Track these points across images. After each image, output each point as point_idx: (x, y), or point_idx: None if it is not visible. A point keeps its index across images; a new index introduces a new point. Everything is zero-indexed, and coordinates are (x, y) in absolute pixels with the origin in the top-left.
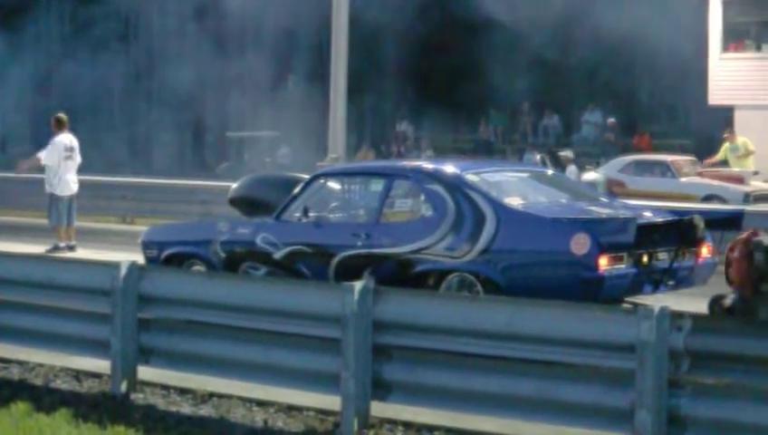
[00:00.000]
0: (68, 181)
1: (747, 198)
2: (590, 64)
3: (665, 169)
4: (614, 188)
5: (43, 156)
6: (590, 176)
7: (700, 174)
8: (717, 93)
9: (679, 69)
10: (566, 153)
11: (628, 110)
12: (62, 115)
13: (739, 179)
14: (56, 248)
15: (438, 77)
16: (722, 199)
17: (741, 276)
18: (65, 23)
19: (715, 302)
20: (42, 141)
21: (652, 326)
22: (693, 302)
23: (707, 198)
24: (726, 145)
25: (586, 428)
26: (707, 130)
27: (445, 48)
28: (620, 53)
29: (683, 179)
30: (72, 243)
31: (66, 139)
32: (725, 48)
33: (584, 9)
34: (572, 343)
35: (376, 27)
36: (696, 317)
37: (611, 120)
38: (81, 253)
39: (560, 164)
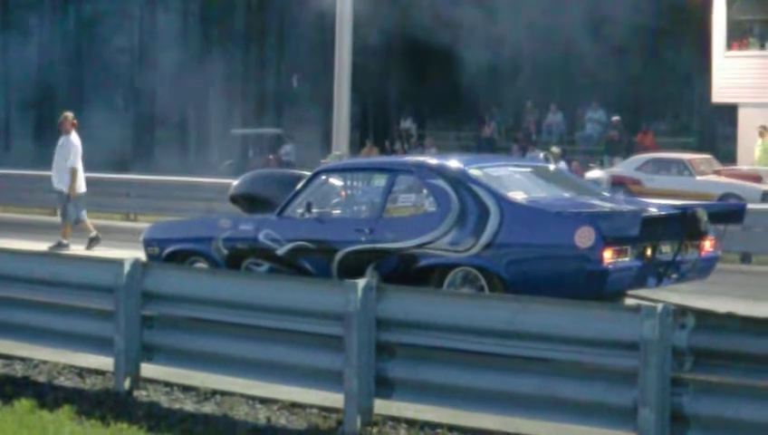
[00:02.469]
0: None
1: (765, 196)
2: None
3: (682, 167)
4: (630, 187)
5: (72, 162)
6: (593, 174)
7: (717, 172)
8: (721, 91)
9: (683, 66)
10: (554, 149)
11: (632, 107)
12: (70, 114)
13: (757, 178)
14: (60, 245)
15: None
16: (739, 198)
17: None
18: (67, 20)
19: None
20: (45, 137)
21: (655, 324)
22: (699, 298)
23: (724, 197)
24: (759, 142)
25: (589, 425)
26: (711, 128)
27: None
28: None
29: (700, 178)
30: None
31: (78, 138)
32: (729, 46)
33: (587, 6)
34: (575, 341)
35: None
36: (699, 315)
37: (615, 117)
38: (84, 250)
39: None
